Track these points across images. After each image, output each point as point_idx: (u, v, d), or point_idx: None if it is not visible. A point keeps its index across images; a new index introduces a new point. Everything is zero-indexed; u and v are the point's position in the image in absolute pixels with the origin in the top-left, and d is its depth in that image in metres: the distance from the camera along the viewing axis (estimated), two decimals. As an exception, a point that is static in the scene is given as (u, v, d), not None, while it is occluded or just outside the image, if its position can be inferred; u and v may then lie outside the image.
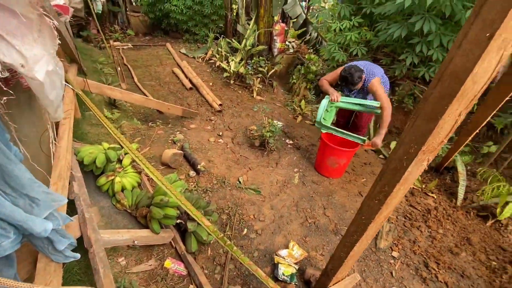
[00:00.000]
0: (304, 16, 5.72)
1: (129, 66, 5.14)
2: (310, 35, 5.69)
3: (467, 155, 3.09)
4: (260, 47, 5.02)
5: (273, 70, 4.97)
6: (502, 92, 1.30)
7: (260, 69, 4.95)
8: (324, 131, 2.78)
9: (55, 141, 1.52)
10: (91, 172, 2.09)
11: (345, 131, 2.60)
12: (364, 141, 2.49)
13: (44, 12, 0.78)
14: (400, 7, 3.16)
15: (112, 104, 3.68)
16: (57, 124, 1.86)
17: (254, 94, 4.76)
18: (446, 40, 3.18)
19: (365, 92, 2.68)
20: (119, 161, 2.22)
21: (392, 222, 2.41)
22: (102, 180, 2.00)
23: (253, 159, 3.18)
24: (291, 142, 3.61)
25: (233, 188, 2.70)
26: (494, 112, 1.79)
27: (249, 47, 5.02)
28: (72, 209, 1.62)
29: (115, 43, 6.38)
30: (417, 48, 3.32)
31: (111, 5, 7.32)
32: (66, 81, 2.16)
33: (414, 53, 3.42)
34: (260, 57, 5.00)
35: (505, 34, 0.43)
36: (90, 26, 6.54)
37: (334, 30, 4.06)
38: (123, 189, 2.07)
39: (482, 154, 3.16)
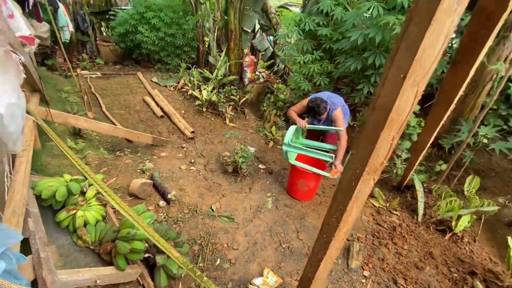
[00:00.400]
0: (272, 49, 6.15)
1: (97, 94, 5.02)
2: (278, 66, 6.09)
3: (423, 174, 3.37)
4: (232, 77, 5.24)
5: (244, 98, 5.16)
6: (438, 114, 1.49)
7: (232, 97, 5.12)
8: (291, 161, 2.87)
9: (11, 174, 1.42)
10: (49, 207, 1.93)
11: (312, 149, 2.71)
12: (332, 157, 2.61)
13: (11, 49, 0.79)
14: (354, 44, 3.56)
15: (77, 133, 3.52)
16: (13, 156, 1.74)
17: (227, 121, 4.86)
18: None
19: (329, 121, 2.89)
20: (83, 193, 2.09)
21: (362, 242, 2.50)
22: (62, 215, 1.86)
23: (226, 186, 3.17)
24: (263, 166, 3.67)
25: (205, 216, 2.64)
26: (436, 133, 2.03)
27: (220, 77, 5.21)
28: (25, 249, 1.47)
29: (83, 72, 6.25)
30: (372, 78, 3.72)
31: (80, 34, 7.28)
32: (27, 111, 2.07)
33: (369, 83, 3.80)
34: (232, 86, 5.20)
35: (415, 75, 0.55)
36: (56, 55, 6.39)
37: (299, 62, 4.41)
38: (85, 224, 1.94)
39: (435, 172, 3.48)
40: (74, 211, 1.91)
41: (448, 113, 1.18)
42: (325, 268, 0.91)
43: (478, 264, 2.32)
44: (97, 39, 7.83)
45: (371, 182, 0.72)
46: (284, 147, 2.76)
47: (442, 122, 1.38)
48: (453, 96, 0.93)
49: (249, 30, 5.47)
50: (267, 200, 3.00)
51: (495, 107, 3.48)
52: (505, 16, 0.63)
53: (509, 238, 2.15)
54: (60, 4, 5.87)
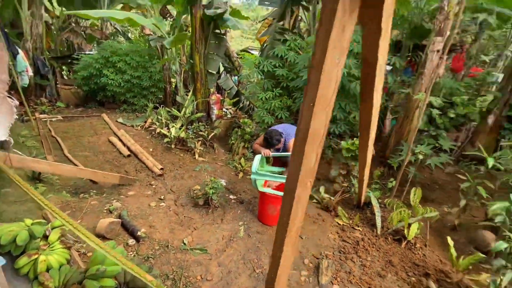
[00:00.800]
0: (236, 88, 6.64)
1: (57, 138, 4.88)
2: (243, 103, 6.54)
3: (378, 191, 3.75)
4: (199, 114, 5.50)
5: (213, 133, 5.39)
6: (364, 136, 1.77)
7: (201, 133, 5.32)
8: (260, 188, 3.05)
9: (-29, 218, 1.39)
10: (8, 254, 1.82)
11: (280, 175, 2.94)
12: None
13: (8, 95, 0.91)
14: (307, 82, 4.09)
15: (36, 178, 3.36)
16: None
17: (196, 156, 4.97)
18: (343, 104, 4.17)
19: (286, 149, 3.27)
20: (45, 237, 2.01)
21: (330, 258, 2.65)
22: (23, 261, 1.76)
23: (198, 218, 3.20)
24: (234, 197, 3.78)
25: (177, 251, 2.62)
26: (370, 153, 2.38)
27: (188, 115, 5.44)
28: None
29: (42, 116, 6.06)
30: (325, 110, 4.23)
31: (39, 78, 7.15)
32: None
33: (324, 114, 4.30)
34: (200, 123, 5.43)
35: (321, 104, 0.80)
36: (12, 100, 6.14)
37: (261, 99, 4.86)
38: (48, 269, 1.84)
39: (389, 189, 3.88)
40: (36, 256, 1.82)
41: (373, 135, 1.49)
42: (285, 266, 1.05)
43: (430, 266, 2.58)
44: (57, 82, 7.73)
45: (308, 184, 0.93)
46: (252, 176, 2.95)
47: (371, 143, 1.69)
48: (368, 120, 1.23)
49: (214, 72, 5.92)
50: (239, 229, 3.07)
51: (426, 128, 4.13)
52: (381, 64, 0.94)
53: (448, 238, 2.48)
54: (19, 50, 5.86)
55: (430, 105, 3.74)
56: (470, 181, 2.94)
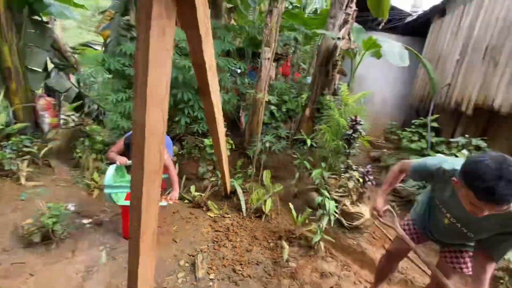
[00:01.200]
0: (77, 89, 5.49)
1: None
2: (89, 107, 5.50)
3: (241, 179, 4.25)
4: (20, 125, 4.15)
5: (47, 148, 4.22)
6: (213, 130, 2.00)
7: (27, 149, 4.04)
8: (120, 202, 2.72)
9: None
10: None
11: None
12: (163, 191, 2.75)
13: None
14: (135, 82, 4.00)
15: None
16: None
17: (22, 181, 3.74)
18: (203, 104, 4.38)
19: None
20: None
21: (205, 252, 2.78)
22: None
23: (35, 260, 2.45)
24: (89, 221, 3.16)
25: (2, 313, 1.92)
26: (223, 145, 2.72)
27: (1, 127, 3.98)
28: None
29: None
30: (185, 111, 4.29)
31: None
32: None
33: (185, 115, 4.36)
34: (23, 136, 4.10)
35: (152, 101, 0.85)
36: None
37: (112, 101, 4.27)
38: None
39: (249, 175, 4.49)
40: None
41: (221, 128, 1.70)
42: (145, 279, 1.01)
43: (282, 229, 3.25)
44: None
45: (156, 181, 0.95)
46: (106, 190, 2.58)
47: (222, 136, 1.94)
48: (212, 114, 1.40)
49: (39, 69, 4.63)
50: (100, 255, 2.62)
51: (270, 122, 5.08)
52: (209, 66, 1.08)
53: (290, 203, 3.22)
54: None
55: (269, 102, 4.62)
56: (299, 158, 3.91)
